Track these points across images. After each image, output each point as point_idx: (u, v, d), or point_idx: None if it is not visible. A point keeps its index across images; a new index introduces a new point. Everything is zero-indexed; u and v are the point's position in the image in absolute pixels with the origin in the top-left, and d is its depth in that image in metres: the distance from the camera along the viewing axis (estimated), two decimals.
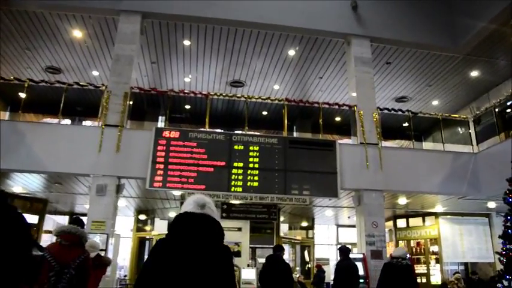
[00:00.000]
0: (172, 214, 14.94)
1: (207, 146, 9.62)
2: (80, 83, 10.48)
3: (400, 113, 12.08)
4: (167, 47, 12.47)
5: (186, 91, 10.71)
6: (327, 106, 11.18)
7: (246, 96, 10.94)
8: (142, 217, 15.75)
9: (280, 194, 9.52)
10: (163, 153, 9.40)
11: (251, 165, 9.64)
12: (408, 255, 11.09)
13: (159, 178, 9.17)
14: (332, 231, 19.34)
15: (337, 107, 11.28)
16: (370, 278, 9.44)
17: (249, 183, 9.47)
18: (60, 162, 9.29)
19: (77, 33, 11.81)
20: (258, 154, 9.76)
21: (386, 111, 11.85)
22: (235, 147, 9.75)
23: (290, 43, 12.33)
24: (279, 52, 12.77)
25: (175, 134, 9.62)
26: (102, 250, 8.70)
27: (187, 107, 11.93)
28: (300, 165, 9.90)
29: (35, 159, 9.21)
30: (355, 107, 11.11)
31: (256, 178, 9.54)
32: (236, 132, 10.44)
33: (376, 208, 10.29)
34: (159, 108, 11.12)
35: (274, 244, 14.96)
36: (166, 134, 9.61)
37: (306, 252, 16.99)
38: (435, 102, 16.05)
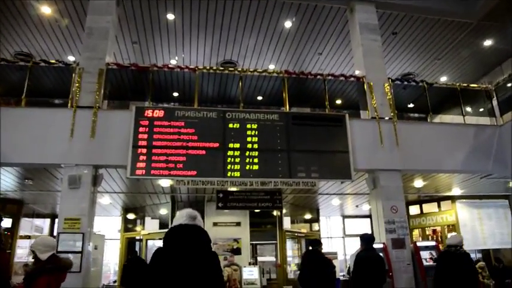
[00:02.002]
0: (164, 211, 13.62)
1: (197, 125, 8.25)
2: (48, 61, 9.03)
3: (413, 83, 10.75)
4: (149, 23, 11.09)
5: (170, 65, 9.32)
6: (331, 78, 9.81)
7: (240, 69, 9.56)
8: (130, 216, 14.34)
9: (285, 177, 8.17)
10: (145, 136, 8.02)
11: (249, 145, 8.28)
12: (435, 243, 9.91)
13: (142, 165, 7.79)
14: (337, 223, 17.99)
15: (343, 79, 9.91)
16: (394, 271, 8.11)
17: (247, 167, 8.11)
18: (25, 152, 7.88)
19: (46, 10, 10.39)
20: (256, 133, 8.41)
21: (398, 82, 10.50)
22: (230, 125, 8.39)
23: (286, 14, 11.02)
24: (273, 25, 11.46)
25: (159, 113, 8.24)
26: (77, 253, 7.35)
27: (175, 94, 10.58)
28: (305, 144, 8.55)
29: None
30: (364, 78, 9.77)
31: (255, 161, 8.18)
32: (230, 108, 9.06)
33: (394, 191, 8.97)
34: (143, 92, 9.69)
35: (277, 238, 13.79)
36: (148, 113, 8.22)
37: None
38: (443, 78, 14.79)
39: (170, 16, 10.90)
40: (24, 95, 8.49)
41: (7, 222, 11.94)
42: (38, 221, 14.18)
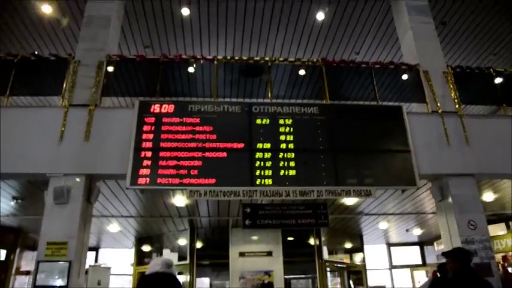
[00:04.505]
0: (183, 241, 11.77)
1: (217, 122, 6.54)
2: (39, 55, 7.52)
3: (477, 71, 8.81)
4: (161, 21, 9.58)
5: (184, 56, 7.69)
6: (378, 67, 8.01)
7: (268, 58, 7.83)
8: (146, 248, 12.54)
9: (331, 185, 6.27)
10: (151, 136, 6.34)
11: (283, 145, 6.48)
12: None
13: (146, 171, 6.06)
14: (381, 253, 15.69)
15: (392, 67, 8.09)
16: None
17: (282, 172, 6.28)
18: (3, 159, 6.25)
19: (46, 9, 9.04)
20: (291, 130, 6.62)
21: (459, 70, 8.58)
22: (258, 121, 6.63)
23: (317, 4, 9.36)
24: (303, 18, 9.81)
25: (168, 108, 6.57)
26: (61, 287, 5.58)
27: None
28: (354, 142, 6.71)
29: None
30: (418, 66, 7.95)
31: (292, 164, 6.35)
32: (258, 101, 7.33)
33: (470, 201, 6.94)
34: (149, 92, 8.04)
35: (317, 270, 11.73)
36: (155, 108, 6.56)
37: (351, 280, 13.36)
38: (498, 80, 12.77)
39: (185, 11, 9.40)
40: (8, 93, 6.96)
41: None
42: None
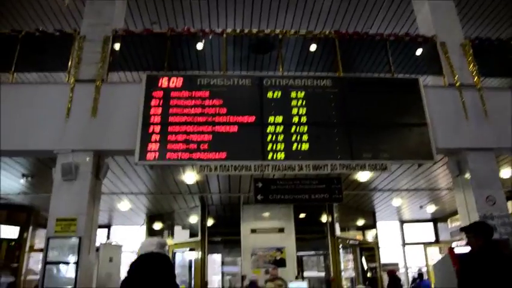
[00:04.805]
0: (194, 218, 11.70)
1: (227, 95, 6.34)
2: (43, 30, 7.33)
3: (496, 43, 8.43)
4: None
5: (192, 30, 7.45)
6: (393, 39, 7.69)
7: (278, 32, 7.56)
8: (157, 226, 12.51)
9: (345, 159, 6.08)
10: (159, 110, 6.17)
11: (295, 119, 6.28)
12: None
13: (154, 146, 5.92)
14: (393, 229, 15.50)
15: (407, 39, 7.77)
16: None
17: (294, 146, 6.09)
18: (10, 136, 6.16)
19: None
20: (304, 103, 6.41)
21: (477, 41, 8.22)
22: (269, 94, 6.43)
23: None
24: None
25: (177, 82, 6.39)
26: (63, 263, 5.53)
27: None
28: (369, 116, 6.49)
29: None
30: (435, 38, 7.63)
31: (305, 138, 6.15)
32: (269, 74, 7.10)
33: (489, 175, 6.71)
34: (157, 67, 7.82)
35: (329, 247, 11.62)
36: (163, 82, 6.38)
37: (363, 258, 13.24)
38: None
39: None
40: (13, 70, 6.82)
41: (13, 232, 10.33)
42: None
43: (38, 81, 7.45)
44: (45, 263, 5.58)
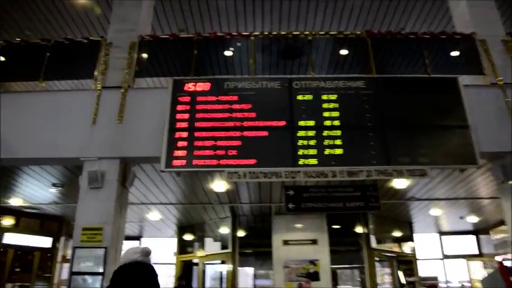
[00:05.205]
0: (225, 230, 11.47)
1: (255, 99, 6.09)
2: (71, 39, 7.34)
3: None
4: (196, 5, 9.16)
5: (219, 34, 7.29)
6: (428, 37, 7.30)
7: (308, 33, 7.30)
8: (188, 237, 12.35)
9: (381, 164, 5.71)
10: (186, 115, 5.98)
11: (328, 122, 5.96)
12: None
13: (181, 153, 5.71)
14: (432, 242, 14.80)
15: (443, 37, 7.36)
16: None
17: (327, 152, 5.77)
18: (37, 144, 6.13)
19: None
20: (336, 105, 6.09)
21: None
22: (300, 97, 6.14)
23: None
24: None
25: (204, 86, 6.20)
26: (97, 274, 5.37)
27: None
28: (405, 118, 6.10)
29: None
30: (474, 35, 7.19)
31: (338, 142, 5.82)
32: (299, 76, 6.83)
33: None
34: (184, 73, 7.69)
35: (365, 259, 11.13)
36: (190, 86, 6.20)
37: (400, 271, 12.64)
38: None
39: None
40: (42, 78, 6.82)
41: (46, 242, 10.36)
42: None
43: (66, 89, 7.42)
44: (71, 273, 5.44)
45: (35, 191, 8.68)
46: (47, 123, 6.26)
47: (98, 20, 8.98)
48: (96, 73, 6.72)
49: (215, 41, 7.26)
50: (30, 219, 10.51)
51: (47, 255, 10.57)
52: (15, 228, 10.54)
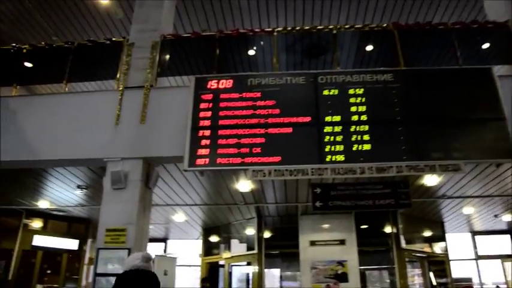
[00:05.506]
0: (250, 231, 11.33)
1: (279, 95, 5.94)
2: (94, 40, 7.35)
3: None
4: (218, 4, 9.07)
5: (241, 31, 7.16)
6: (459, 27, 6.99)
7: (332, 26, 7.09)
8: (213, 239, 12.26)
9: (412, 160, 5.46)
10: (208, 113, 5.87)
11: (355, 117, 5.75)
12: None
13: (205, 151, 5.60)
14: (464, 242, 14.30)
15: (475, 26, 7.03)
16: None
17: (355, 147, 5.56)
18: (60, 145, 6.14)
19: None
20: (363, 100, 5.87)
21: None
22: (325, 92, 5.95)
23: None
24: None
25: (226, 83, 6.08)
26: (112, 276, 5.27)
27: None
28: (436, 111, 5.84)
29: (25, 144, 6.17)
30: (509, 22, 6.86)
31: (366, 138, 5.61)
32: (324, 70, 6.63)
33: None
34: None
35: (394, 260, 10.80)
36: (212, 84, 6.09)
37: (430, 273, 12.22)
38: None
39: None
40: (66, 80, 6.84)
41: (73, 244, 10.43)
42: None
43: (89, 90, 7.44)
44: (95, 274, 5.39)
45: (61, 193, 8.74)
46: (71, 125, 6.28)
47: (121, 21, 8.98)
48: (118, 74, 6.69)
49: (237, 38, 7.14)
50: (57, 222, 10.65)
51: (75, 257, 10.65)
52: (43, 231, 10.70)
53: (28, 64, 7.42)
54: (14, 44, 7.43)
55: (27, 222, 10.48)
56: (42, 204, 9.56)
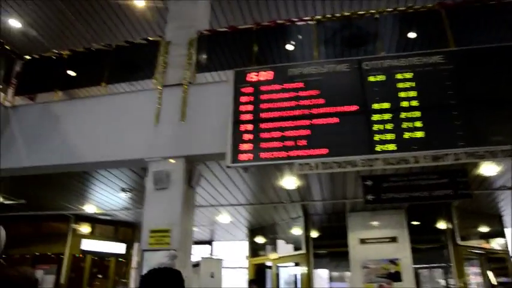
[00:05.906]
0: (297, 231, 11.05)
1: (323, 84, 5.64)
2: (131, 41, 7.33)
3: None
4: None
5: (279, 21, 6.93)
6: None
7: (375, 10, 6.72)
8: (259, 240, 12.06)
9: (470, 146, 5.02)
10: (250, 107, 5.65)
11: (405, 103, 5.37)
12: None
13: (248, 146, 5.38)
14: None
15: None
16: None
17: (406, 135, 5.18)
18: (101, 147, 6.13)
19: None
20: (413, 84, 5.47)
21: None
22: (371, 78, 5.60)
23: None
24: None
25: (266, 75, 5.84)
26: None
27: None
28: (494, 91, 5.36)
29: (68, 147, 6.19)
30: None
31: (418, 124, 5.21)
32: (368, 56, 6.25)
33: None
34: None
35: (452, 258, 10.21)
36: (252, 76, 5.88)
37: (490, 271, 11.46)
38: None
39: None
40: (105, 82, 6.85)
41: (120, 248, 10.50)
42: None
43: (127, 91, 7.42)
44: (141, 277, 5.26)
45: (106, 196, 8.80)
46: (111, 126, 6.28)
47: (158, 22, 8.97)
48: (156, 73, 6.61)
49: (275, 30, 6.92)
50: (104, 226, 10.78)
51: (122, 261, 10.73)
52: (91, 235, 10.84)
53: (69, 71, 7.51)
54: (54, 50, 7.53)
55: (76, 227, 10.65)
56: (89, 208, 9.67)
